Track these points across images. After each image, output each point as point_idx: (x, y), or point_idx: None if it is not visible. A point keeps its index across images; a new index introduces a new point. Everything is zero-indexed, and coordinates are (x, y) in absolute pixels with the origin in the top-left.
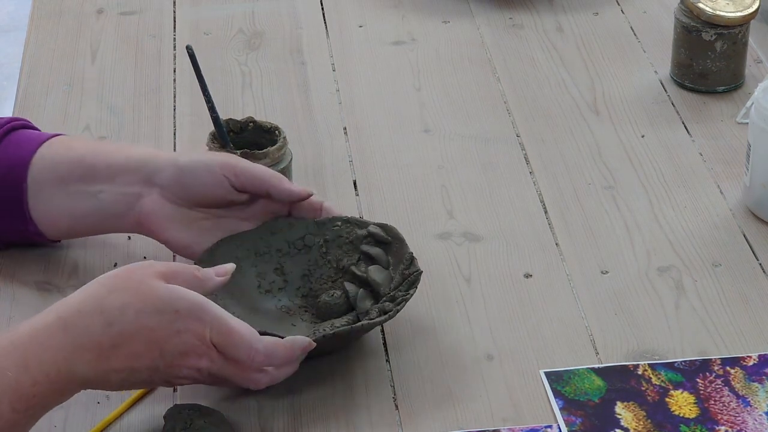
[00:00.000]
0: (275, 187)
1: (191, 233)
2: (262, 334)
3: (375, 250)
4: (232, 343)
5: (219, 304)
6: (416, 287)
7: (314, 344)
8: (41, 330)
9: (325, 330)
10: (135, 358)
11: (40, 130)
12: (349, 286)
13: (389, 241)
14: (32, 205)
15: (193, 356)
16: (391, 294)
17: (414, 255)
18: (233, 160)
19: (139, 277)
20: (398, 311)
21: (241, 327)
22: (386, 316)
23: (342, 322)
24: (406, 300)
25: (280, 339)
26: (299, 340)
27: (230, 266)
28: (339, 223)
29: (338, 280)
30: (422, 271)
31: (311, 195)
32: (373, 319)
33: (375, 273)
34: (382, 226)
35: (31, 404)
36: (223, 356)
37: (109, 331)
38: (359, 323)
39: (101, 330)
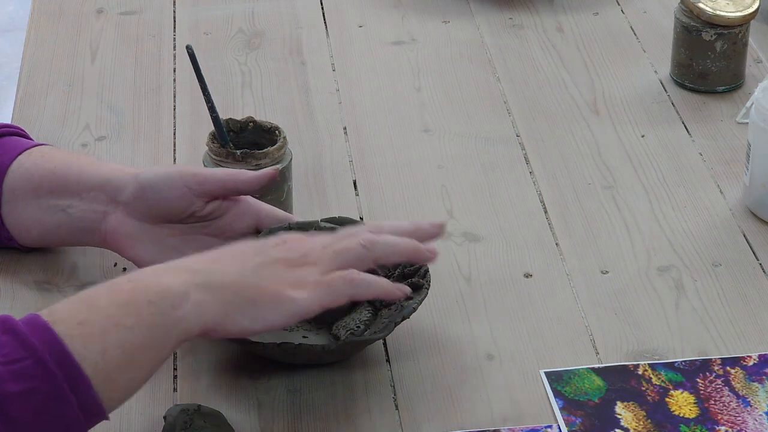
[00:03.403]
0: (241, 179)
1: (157, 250)
2: (282, 345)
3: None
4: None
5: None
6: (429, 271)
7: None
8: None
9: (358, 327)
10: (240, 255)
11: (32, 139)
12: None
13: None
14: (6, 211)
15: (291, 238)
16: (392, 276)
17: None
18: (193, 169)
19: None
20: (428, 288)
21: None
22: (424, 293)
23: (363, 319)
24: (429, 283)
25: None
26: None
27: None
28: (283, 233)
29: None
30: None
31: (278, 170)
32: (406, 304)
33: None
34: (332, 220)
35: (130, 297)
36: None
37: (206, 253)
38: (400, 314)
39: (196, 256)
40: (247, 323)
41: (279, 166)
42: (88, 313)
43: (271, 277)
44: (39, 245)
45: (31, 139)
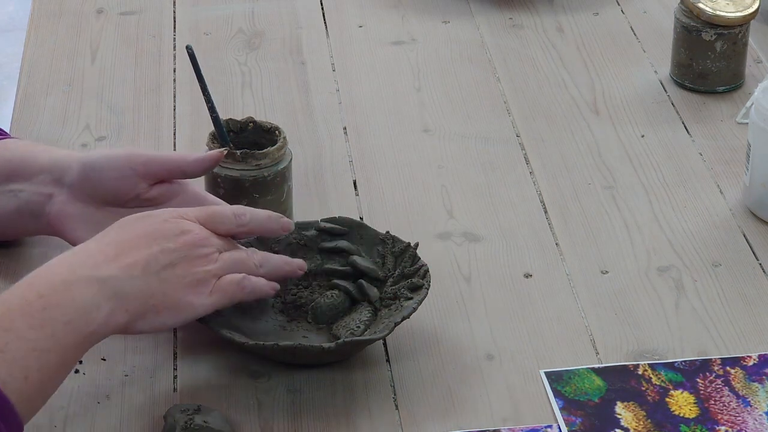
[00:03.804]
0: (185, 160)
1: None
2: (282, 345)
3: (342, 243)
4: (213, 212)
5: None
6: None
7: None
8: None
9: (358, 327)
10: (143, 247)
11: (9, 135)
12: (343, 283)
13: (346, 232)
14: None
15: (195, 230)
16: (392, 276)
17: (393, 234)
18: (138, 150)
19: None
20: (428, 288)
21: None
22: (423, 293)
23: (363, 319)
24: (429, 283)
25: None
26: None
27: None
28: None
29: (311, 285)
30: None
31: (224, 153)
32: (409, 301)
33: (363, 261)
34: (332, 220)
35: (44, 317)
36: (210, 230)
37: (104, 241)
38: (400, 314)
39: (96, 246)
40: (147, 328)
41: (224, 150)
42: (7, 339)
43: (173, 281)
44: (1, 237)
45: (8, 135)
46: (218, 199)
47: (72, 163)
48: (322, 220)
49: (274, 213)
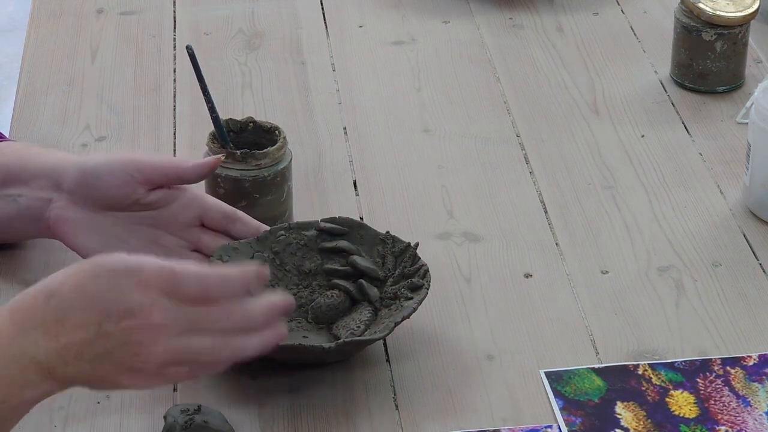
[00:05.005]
0: (182, 166)
1: (101, 240)
2: (283, 346)
3: (342, 243)
4: (178, 280)
5: None
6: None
7: (291, 298)
8: None
9: (358, 327)
10: (81, 328)
11: (7, 139)
12: (343, 283)
13: (346, 232)
14: None
15: (143, 311)
16: (392, 276)
17: (393, 234)
18: (136, 156)
19: (92, 258)
20: (428, 288)
21: (187, 264)
22: (423, 292)
23: (363, 319)
24: (428, 283)
25: (233, 268)
26: (251, 269)
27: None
28: (282, 233)
29: (311, 285)
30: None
31: (221, 159)
32: (409, 301)
33: (363, 261)
34: (332, 220)
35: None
36: (176, 303)
37: (51, 304)
38: (400, 314)
39: (43, 305)
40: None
41: (221, 157)
42: None
43: (107, 368)
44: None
45: (5, 138)
46: (218, 200)
47: (69, 168)
48: (322, 220)
49: (251, 268)
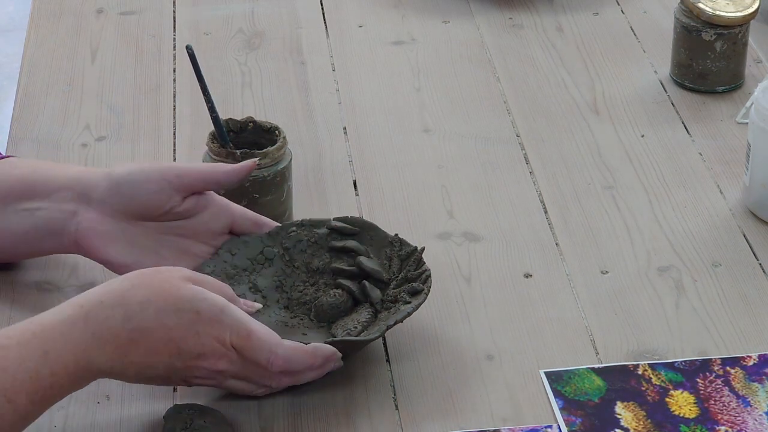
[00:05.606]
0: (221, 170)
1: (132, 252)
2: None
3: (351, 243)
4: (251, 346)
5: None
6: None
7: (339, 354)
8: (63, 321)
9: (355, 328)
10: (152, 354)
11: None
12: (347, 283)
13: (357, 232)
14: None
15: (212, 358)
16: (396, 279)
17: (401, 237)
18: (172, 164)
19: (165, 276)
20: (428, 294)
21: (262, 330)
22: (421, 298)
23: (362, 320)
24: (429, 289)
25: (302, 345)
26: (322, 348)
27: (257, 305)
28: (294, 229)
29: (317, 283)
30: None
31: (256, 162)
32: (407, 306)
33: (369, 263)
34: (344, 219)
35: (47, 395)
36: (242, 359)
37: (128, 326)
38: (393, 318)
39: (120, 323)
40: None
41: (257, 160)
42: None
43: (160, 382)
44: (12, 258)
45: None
46: (242, 207)
47: (97, 178)
48: (334, 219)
49: (311, 352)
